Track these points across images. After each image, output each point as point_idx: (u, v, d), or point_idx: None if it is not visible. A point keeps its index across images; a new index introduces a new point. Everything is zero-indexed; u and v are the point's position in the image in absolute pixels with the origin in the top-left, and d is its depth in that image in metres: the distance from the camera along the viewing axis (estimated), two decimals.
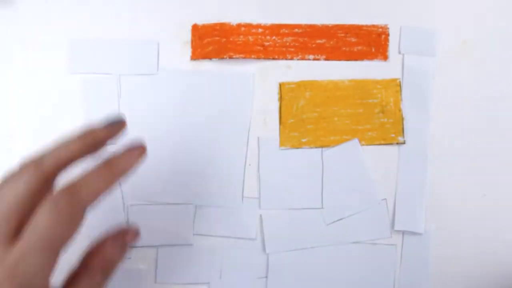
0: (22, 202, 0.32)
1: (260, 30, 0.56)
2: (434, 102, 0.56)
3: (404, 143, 0.56)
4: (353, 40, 0.56)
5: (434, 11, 0.57)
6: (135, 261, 0.55)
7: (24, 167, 0.34)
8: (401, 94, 0.56)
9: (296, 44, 0.56)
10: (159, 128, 0.56)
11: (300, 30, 0.56)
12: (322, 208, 0.55)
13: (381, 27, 0.56)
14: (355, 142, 0.56)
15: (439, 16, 0.57)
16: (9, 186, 0.33)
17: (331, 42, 0.56)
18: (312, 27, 0.56)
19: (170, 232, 0.55)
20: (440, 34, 0.56)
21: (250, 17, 0.56)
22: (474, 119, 0.56)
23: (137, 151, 0.39)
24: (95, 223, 0.55)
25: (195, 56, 0.56)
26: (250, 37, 0.56)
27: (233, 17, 0.56)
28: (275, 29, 0.56)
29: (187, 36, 0.56)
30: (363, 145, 0.56)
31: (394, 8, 0.57)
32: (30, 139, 0.56)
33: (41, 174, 0.34)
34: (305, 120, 0.56)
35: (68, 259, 0.55)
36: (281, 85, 0.56)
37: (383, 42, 0.56)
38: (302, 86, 0.56)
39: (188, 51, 0.56)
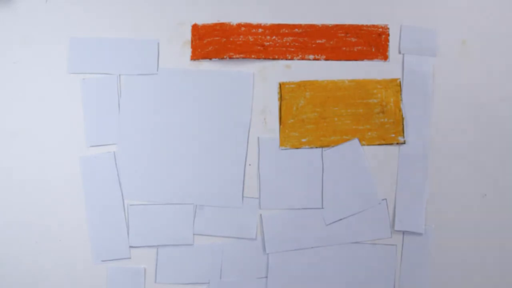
0: None
1: (260, 30, 0.56)
2: (434, 102, 0.56)
3: (404, 143, 0.56)
4: (353, 40, 0.56)
5: (434, 11, 0.57)
6: (135, 261, 0.55)
7: None
8: (401, 94, 0.56)
9: (296, 44, 0.56)
10: (159, 128, 0.56)
11: (300, 30, 0.56)
12: (322, 208, 0.55)
13: (381, 27, 0.56)
14: (355, 142, 0.56)
15: (439, 16, 0.57)
16: None
17: (331, 42, 0.56)
18: (312, 27, 0.56)
19: (170, 232, 0.55)
20: (440, 34, 0.56)
21: (250, 17, 0.56)
22: (474, 119, 0.56)
23: None
24: (96, 223, 0.55)
25: (195, 56, 0.56)
26: (250, 37, 0.56)
27: (233, 17, 0.56)
28: (275, 29, 0.56)
29: (187, 36, 0.56)
30: (363, 145, 0.56)
31: (394, 8, 0.57)
32: (30, 139, 0.56)
33: None
34: (305, 120, 0.56)
35: (70, 259, 0.55)
36: (281, 85, 0.56)
37: (383, 42, 0.56)
38: (302, 86, 0.56)
39: (188, 51, 0.56)
